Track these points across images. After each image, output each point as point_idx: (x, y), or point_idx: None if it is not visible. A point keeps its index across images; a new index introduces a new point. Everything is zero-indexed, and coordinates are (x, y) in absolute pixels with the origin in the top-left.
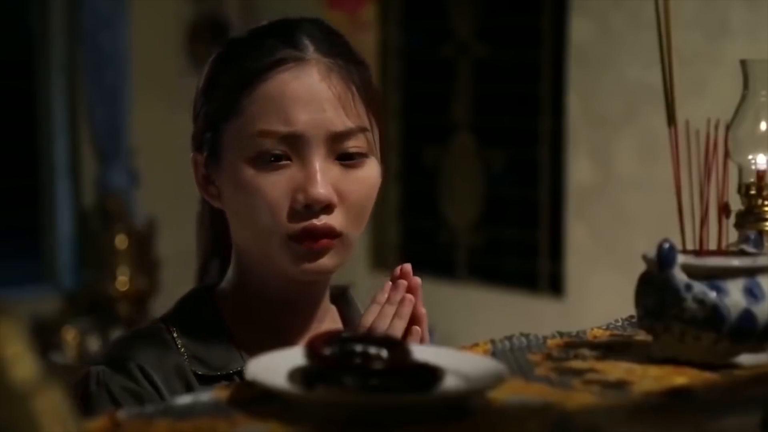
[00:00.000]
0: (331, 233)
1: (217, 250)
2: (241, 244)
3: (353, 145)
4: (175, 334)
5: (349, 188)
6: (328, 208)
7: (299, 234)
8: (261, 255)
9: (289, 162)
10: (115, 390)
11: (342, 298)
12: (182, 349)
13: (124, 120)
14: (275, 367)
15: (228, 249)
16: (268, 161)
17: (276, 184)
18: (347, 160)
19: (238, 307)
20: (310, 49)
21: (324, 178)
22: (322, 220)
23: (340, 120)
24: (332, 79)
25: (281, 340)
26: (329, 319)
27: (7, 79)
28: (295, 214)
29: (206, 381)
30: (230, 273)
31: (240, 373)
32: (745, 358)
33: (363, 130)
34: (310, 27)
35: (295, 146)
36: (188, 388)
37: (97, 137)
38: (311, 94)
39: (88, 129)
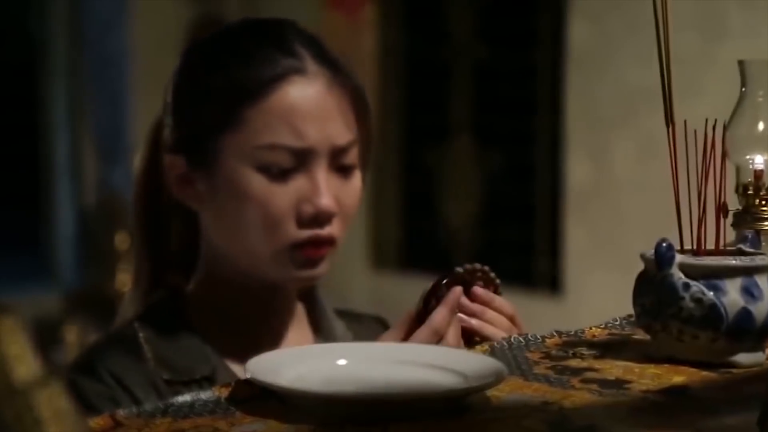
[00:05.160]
0: (332, 242)
1: (185, 252)
2: (223, 248)
3: (350, 157)
4: (142, 339)
5: (345, 198)
6: (331, 217)
7: (303, 243)
8: (247, 260)
9: (295, 174)
10: (89, 397)
11: (308, 297)
12: (149, 354)
13: (125, 120)
14: (274, 365)
15: (192, 251)
16: (276, 173)
17: (283, 195)
18: (343, 171)
19: (208, 311)
20: (309, 60)
21: (328, 189)
22: (326, 230)
23: (341, 134)
24: (333, 92)
25: (253, 341)
26: (297, 320)
27: (10, 81)
28: (300, 224)
29: (173, 386)
30: (201, 276)
31: (208, 378)
32: (743, 357)
33: (356, 142)
34: (297, 33)
35: (302, 159)
36: (158, 394)
37: (98, 137)
38: (317, 108)
39: (90, 129)
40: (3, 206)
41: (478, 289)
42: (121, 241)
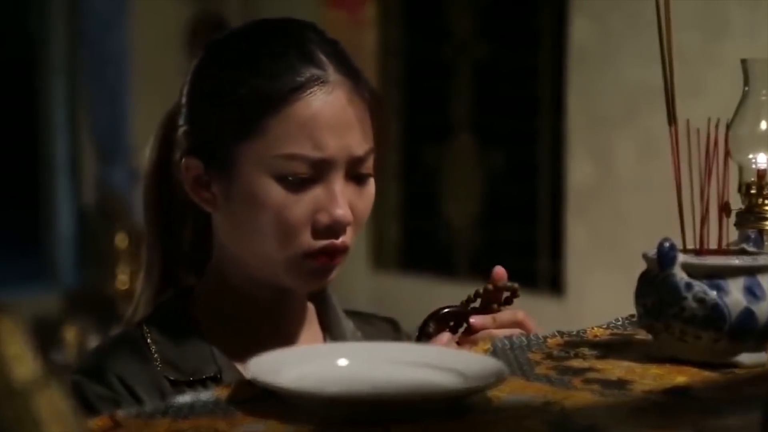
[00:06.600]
0: (345, 251)
1: (196, 252)
2: (234, 251)
3: (366, 166)
4: (149, 340)
5: (359, 206)
6: (346, 228)
7: (316, 252)
8: (258, 264)
9: (312, 184)
10: (91, 399)
11: (318, 297)
12: (156, 355)
13: (125, 119)
14: (275, 365)
15: (204, 251)
16: (293, 182)
17: (299, 204)
18: (359, 179)
19: (216, 312)
20: (331, 70)
21: (344, 199)
22: (341, 239)
23: (360, 144)
24: (353, 102)
25: (262, 342)
26: (307, 320)
27: (9, 80)
28: (315, 233)
29: (179, 386)
30: (210, 276)
31: (213, 379)
32: (745, 357)
33: (373, 151)
34: (320, 40)
35: (320, 169)
36: (163, 396)
37: (97, 136)
38: (338, 118)
39: (89, 128)
40: (3, 206)
41: (473, 320)
42: (121, 241)
